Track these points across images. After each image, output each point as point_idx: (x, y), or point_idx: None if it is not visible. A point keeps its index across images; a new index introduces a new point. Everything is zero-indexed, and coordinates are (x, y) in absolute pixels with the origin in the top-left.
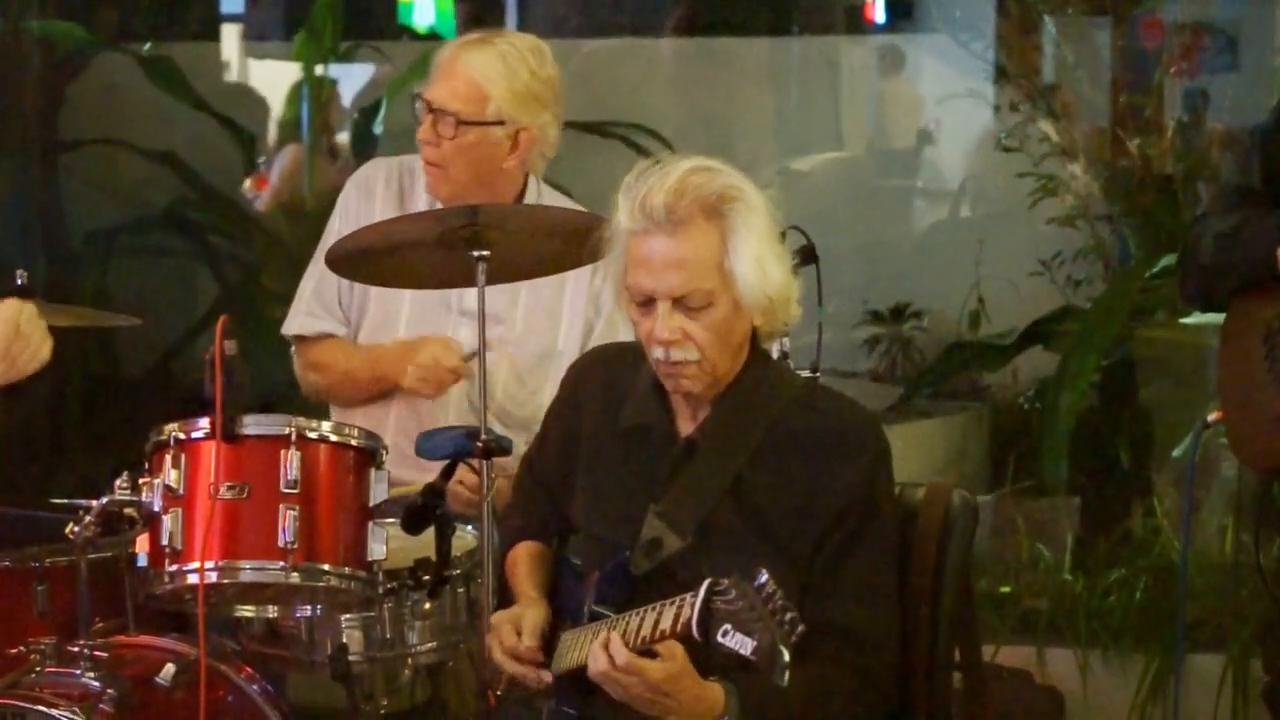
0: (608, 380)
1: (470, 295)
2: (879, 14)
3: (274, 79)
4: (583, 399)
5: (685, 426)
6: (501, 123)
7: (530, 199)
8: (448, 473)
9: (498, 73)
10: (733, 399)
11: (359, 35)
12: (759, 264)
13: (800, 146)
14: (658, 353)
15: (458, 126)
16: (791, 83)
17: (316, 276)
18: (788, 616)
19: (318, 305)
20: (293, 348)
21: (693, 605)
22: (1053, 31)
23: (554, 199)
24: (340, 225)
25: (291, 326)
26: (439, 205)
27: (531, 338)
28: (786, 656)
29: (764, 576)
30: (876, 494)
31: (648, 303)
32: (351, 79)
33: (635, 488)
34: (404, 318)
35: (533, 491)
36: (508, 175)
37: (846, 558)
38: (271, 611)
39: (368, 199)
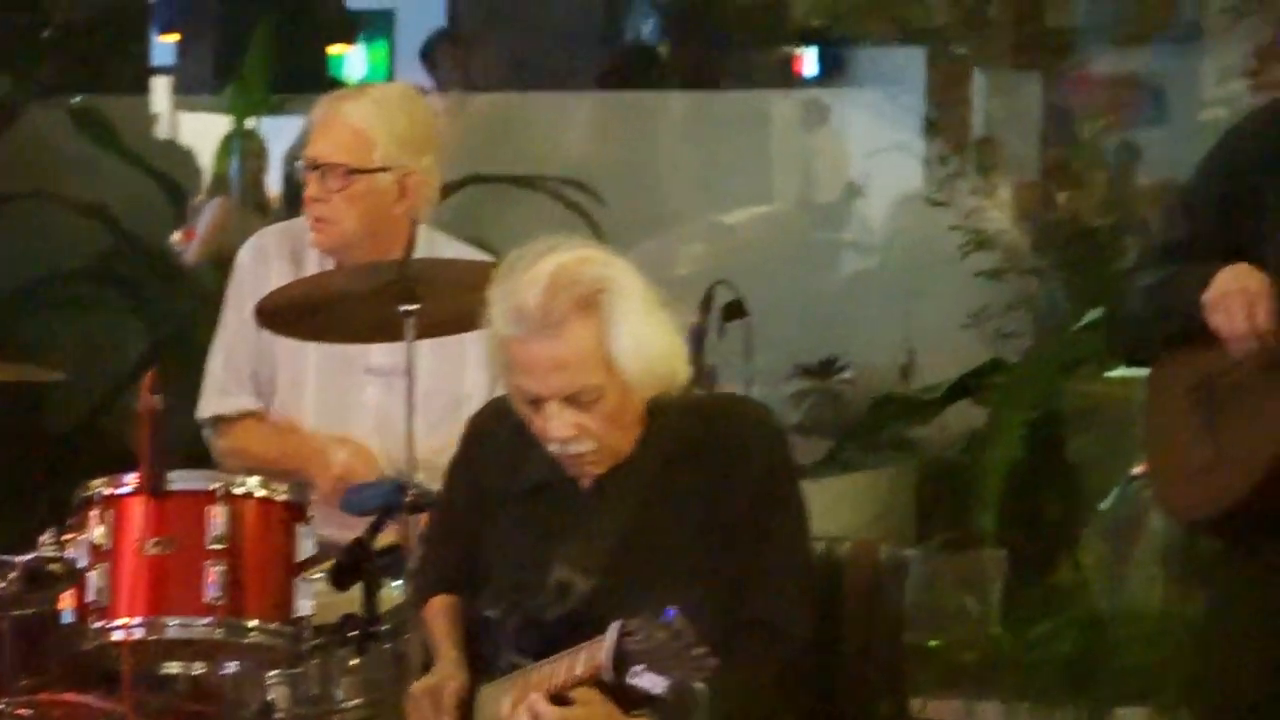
0: (508, 434)
1: (375, 352)
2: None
3: (205, 131)
4: (484, 454)
5: (586, 479)
6: (388, 169)
7: (422, 247)
8: (375, 527)
9: (378, 119)
10: (635, 449)
11: (290, 88)
12: (641, 347)
13: (730, 200)
14: (555, 447)
15: (347, 176)
16: (721, 136)
17: (224, 352)
18: (699, 656)
19: (231, 382)
20: (206, 430)
21: (604, 648)
22: (982, 85)
23: (450, 246)
24: (236, 298)
25: (208, 408)
26: (332, 264)
27: (439, 387)
28: (699, 692)
29: (672, 613)
30: (778, 482)
31: (537, 402)
32: (283, 132)
33: (542, 537)
34: (311, 380)
35: (442, 544)
36: (397, 224)
37: (759, 551)
38: (198, 668)
39: (263, 266)
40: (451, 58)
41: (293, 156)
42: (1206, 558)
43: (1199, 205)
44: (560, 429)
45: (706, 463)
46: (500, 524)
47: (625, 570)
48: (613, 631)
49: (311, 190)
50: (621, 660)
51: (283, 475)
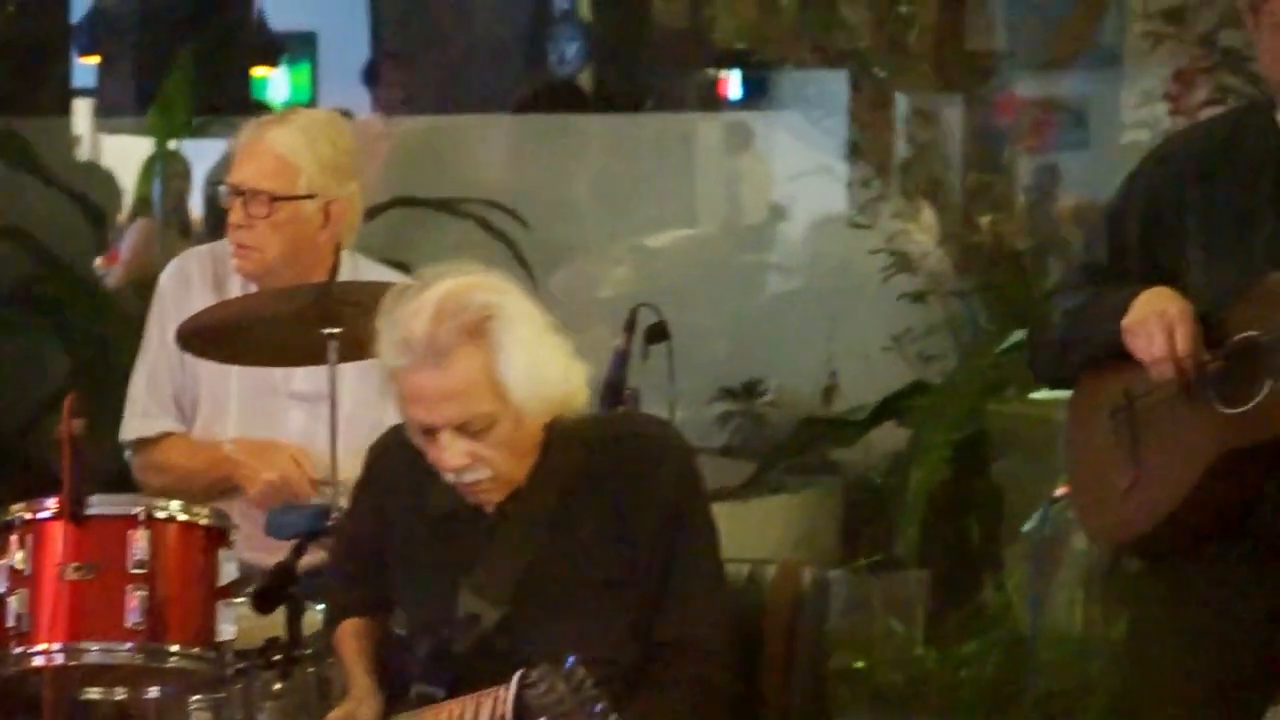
0: (410, 461)
1: (298, 377)
2: (732, 91)
3: (127, 154)
4: (387, 481)
5: (490, 505)
6: (312, 196)
7: (346, 271)
8: (299, 551)
9: (303, 146)
10: (535, 477)
11: (213, 110)
12: (533, 373)
13: (654, 223)
14: (450, 477)
15: (272, 204)
16: (645, 159)
17: (146, 374)
18: (598, 708)
19: (153, 404)
20: (128, 451)
21: (505, 700)
22: (905, 109)
23: (373, 270)
24: (159, 322)
25: (130, 430)
26: (254, 288)
27: (361, 413)
28: None
29: (572, 662)
30: (686, 501)
31: (430, 432)
32: (205, 154)
33: (448, 567)
34: (233, 404)
35: (352, 566)
36: (320, 249)
37: (671, 571)
38: (120, 693)
39: (185, 291)
40: (382, 81)
41: (215, 180)
42: (1128, 579)
43: (1120, 228)
44: (454, 458)
45: (612, 484)
46: (406, 552)
47: (534, 599)
48: (514, 683)
49: (235, 216)
50: (522, 713)
51: (208, 486)
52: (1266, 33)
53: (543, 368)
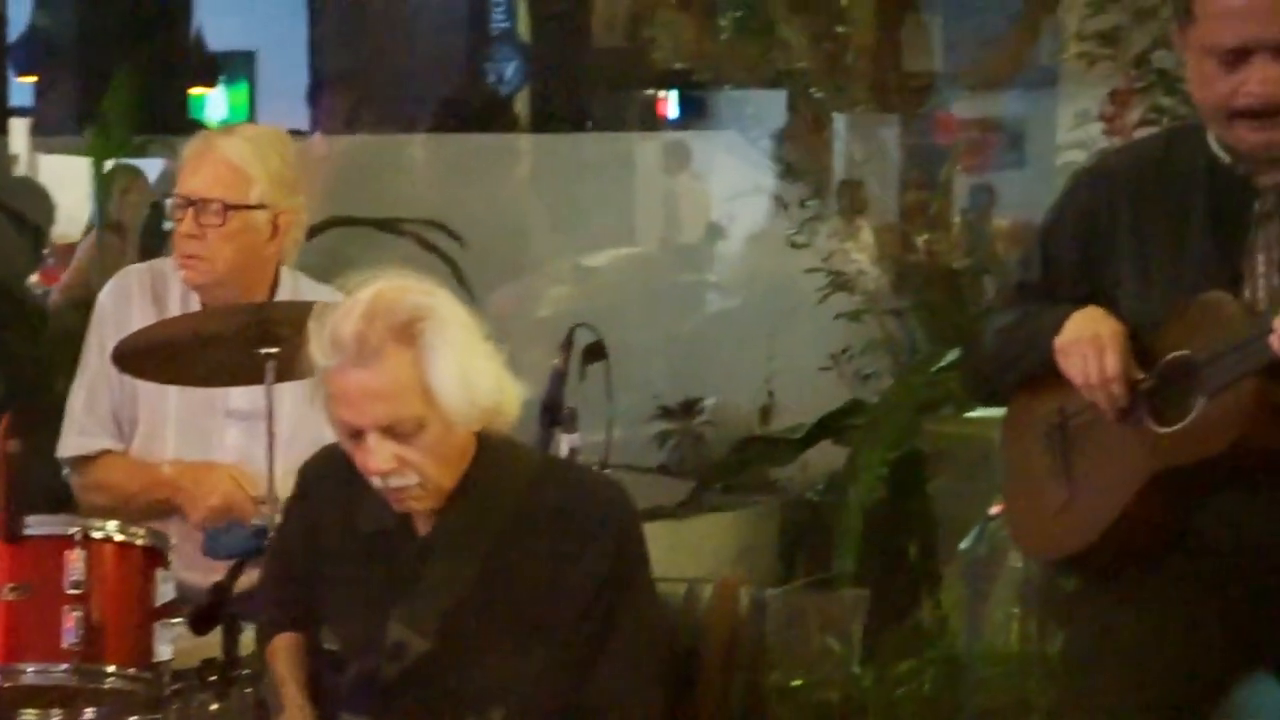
0: (342, 480)
1: (235, 395)
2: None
3: (65, 173)
4: (320, 498)
5: (423, 526)
6: (264, 207)
7: (285, 289)
8: (236, 572)
9: (255, 156)
10: (466, 495)
11: (152, 129)
12: (463, 379)
13: (593, 242)
14: (376, 481)
15: (224, 212)
16: (584, 178)
17: (85, 392)
18: None
19: (91, 422)
20: (65, 471)
21: None
22: (841, 129)
23: (312, 289)
24: (98, 339)
25: (67, 448)
26: (196, 303)
27: (301, 432)
28: None
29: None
30: (629, 568)
31: (357, 434)
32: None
33: (378, 592)
34: (171, 422)
35: (284, 580)
36: (266, 264)
37: (607, 636)
38: (56, 715)
39: (125, 306)
40: (321, 101)
41: (153, 198)
42: (1063, 596)
43: (1053, 247)
44: (380, 461)
45: (554, 533)
46: (337, 571)
47: (462, 633)
48: None
49: (185, 227)
50: None
51: (147, 506)
52: (1195, 56)
53: (473, 374)
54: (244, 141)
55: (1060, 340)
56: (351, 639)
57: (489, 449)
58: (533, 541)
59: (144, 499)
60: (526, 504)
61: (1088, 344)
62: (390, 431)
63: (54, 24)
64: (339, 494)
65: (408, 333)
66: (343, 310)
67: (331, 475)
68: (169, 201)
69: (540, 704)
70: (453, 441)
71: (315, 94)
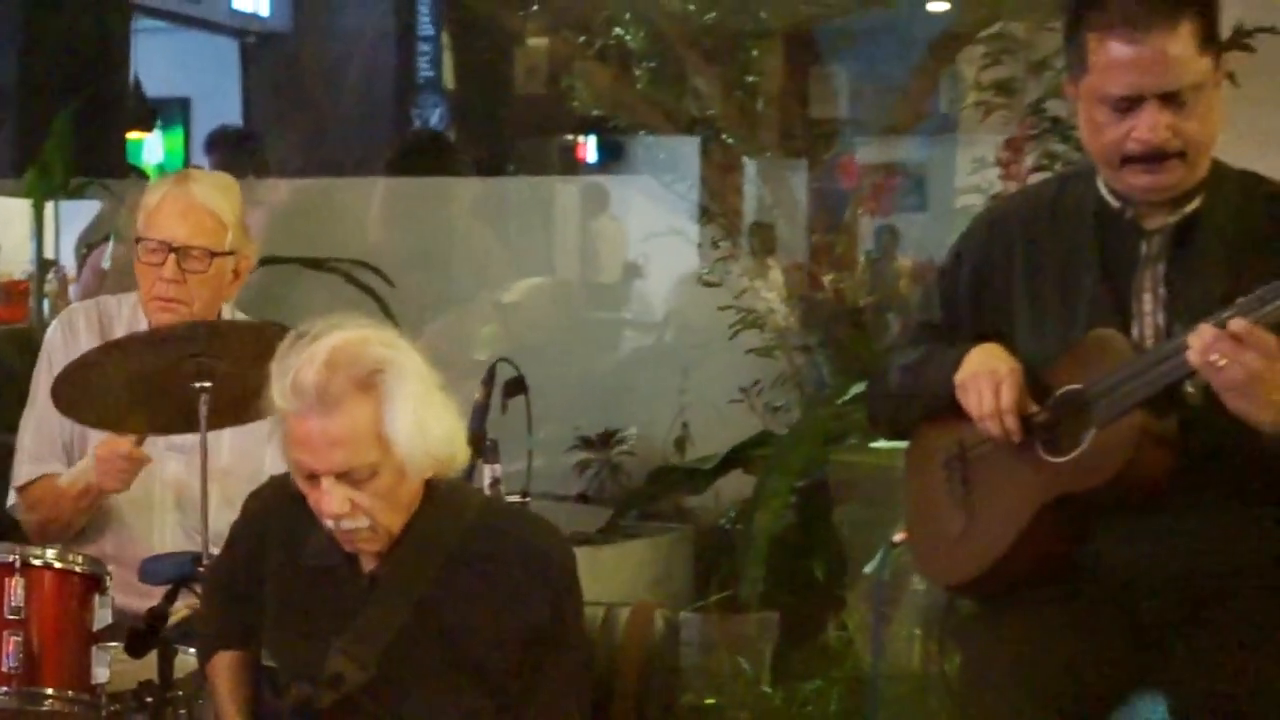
0: (290, 512)
1: None
2: (590, 155)
3: (4, 214)
4: (265, 528)
5: (368, 563)
6: (233, 253)
7: None
8: (171, 597)
9: (225, 204)
10: (411, 537)
11: (90, 172)
12: (418, 428)
13: (515, 281)
14: (329, 523)
15: (208, 259)
16: (507, 220)
17: (35, 424)
18: None
19: (43, 449)
20: (12, 500)
21: None
22: (752, 173)
23: None
24: (47, 373)
25: (19, 476)
26: None
27: (240, 464)
28: None
29: None
30: (566, 616)
31: (313, 477)
32: (81, 215)
33: (320, 623)
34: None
35: (224, 601)
36: (220, 305)
37: (536, 685)
38: None
39: (73, 340)
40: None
41: (89, 239)
42: (961, 618)
43: (952, 288)
44: (334, 504)
45: (493, 578)
46: (280, 599)
47: (399, 668)
48: None
49: (167, 272)
50: None
51: (70, 502)
52: (1087, 105)
53: (428, 425)
54: (216, 190)
55: (960, 376)
56: (290, 665)
57: (437, 494)
58: (472, 586)
59: (66, 495)
60: (468, 549)
61: (984, 379)
62: (345, 477)
63: None
64: (285, 524)
65: (368, 383)
66: (306, 357)
67: (278, 506)
68: (142, 244)
69: None
70: (404, 488)
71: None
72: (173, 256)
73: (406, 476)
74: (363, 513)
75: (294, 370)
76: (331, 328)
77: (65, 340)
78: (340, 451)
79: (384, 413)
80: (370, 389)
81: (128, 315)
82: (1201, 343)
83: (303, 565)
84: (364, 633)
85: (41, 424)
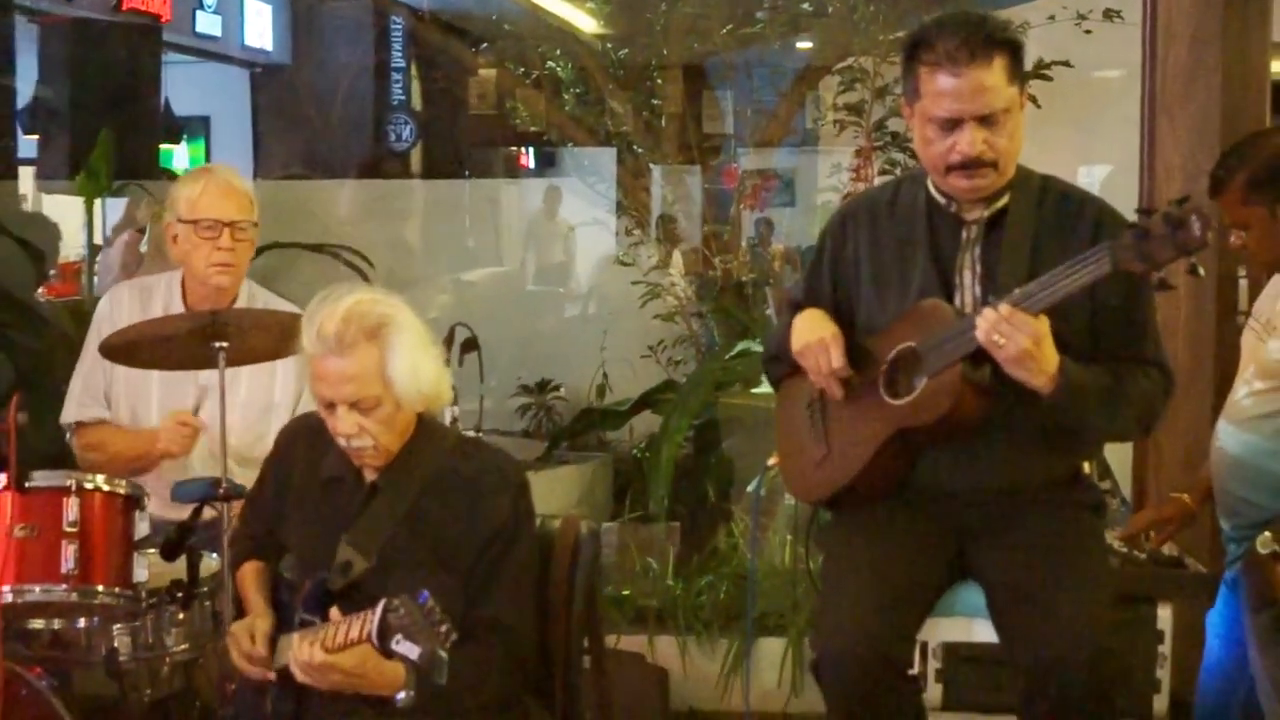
0: (311, 442)
1: (204, 373)
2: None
3: (62, 209)
4: (292, 456)
5: (370, 475)
6: (257, 225)
7: (244, 295)
8: (196, 513)
9: (248, 186)
10: (405, 457)
11: (128, 175)
12: (413, 371)
13: (470, 263)
14: (341, 442)
15: (252, 229)
16: (463, 214)
17: (84, 373)
18: (444, 628)
19: (87, 396)
20: (68, 434)
21: (372, 620)
22: (658, 176)
23: (263, 296)
24: (96, 337)
25: (69, 415)
26: (176, 309)
27: (255, 396)
28: (445, 658)
29: (425, 595)
30: (519, 519)
31: (331, 405)
32: (120, 210)
33: (333, 523)
34: (155, 392)
35: (254, 522)
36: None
37: (498, 569)
38: (57, 623)
39: (118, 311)
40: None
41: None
42: (822, 526)
43: (813, 270)
44: (346, 427)
45: (468, 490)
46: (301, 507)
47: (395, 558)
48: (380, 607)
49: (224, 242)
50: (385, 630)
51: (131, 460)
52: (919, 124)
53: (421, 369)
54: (238, 177)
55: (795, 347)
56: (309, 557)
57: (425, 426)
58: (449, 496)
59: (125, 456)
60: (448, 468)
61: (816, 348)
62: (355, 405)
63: (52, 95)
64: (308, 451)
65: (375, 334)
66: (327, 311)
67: (303, 436)
68: (197, 223)
69: (448, 610)
70: (401, 417)
71: (256, 149)
72: (227, 230)
73: (402, 408)
74: (368, 434)
75: (319, 321)
76: (349, 291)
77: (113, 310)
78: (351, 385)
79: (387, 357)
80: (376, 338)
81: (163, 291)
82: (985, 324)
83: (320, 478)
84: (367, 529)
85: (88, 376)
